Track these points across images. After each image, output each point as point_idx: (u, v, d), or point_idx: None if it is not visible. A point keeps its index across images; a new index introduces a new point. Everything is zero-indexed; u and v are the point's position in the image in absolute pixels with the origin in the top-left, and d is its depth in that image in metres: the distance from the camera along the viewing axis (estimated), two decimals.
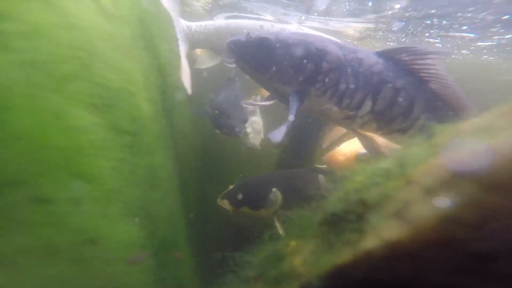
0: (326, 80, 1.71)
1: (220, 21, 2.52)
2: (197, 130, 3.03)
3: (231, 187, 2.48)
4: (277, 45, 1.72)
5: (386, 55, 1.79)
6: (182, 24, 2.49)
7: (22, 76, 1.02)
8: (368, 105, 1.75)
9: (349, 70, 1.73)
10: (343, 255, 0.67)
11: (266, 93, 3.08)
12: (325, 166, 2.33)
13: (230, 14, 2.50)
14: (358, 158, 2.25)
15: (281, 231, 2.15)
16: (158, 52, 2.25)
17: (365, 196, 0.73)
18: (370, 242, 0.62)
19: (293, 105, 1.70)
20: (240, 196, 2.35)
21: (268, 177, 2.60)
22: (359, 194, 0.75)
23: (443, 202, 0.54)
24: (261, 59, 1.75)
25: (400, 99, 1.75)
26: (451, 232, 0.53)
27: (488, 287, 0.58)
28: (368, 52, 1.81)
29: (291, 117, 1.67)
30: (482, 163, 0.52)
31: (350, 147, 2.40)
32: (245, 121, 2.57)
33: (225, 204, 2.37)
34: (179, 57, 2.67)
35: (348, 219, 0.74)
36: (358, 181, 0.80)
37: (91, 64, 1.27)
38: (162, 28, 2.39)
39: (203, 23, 2.54)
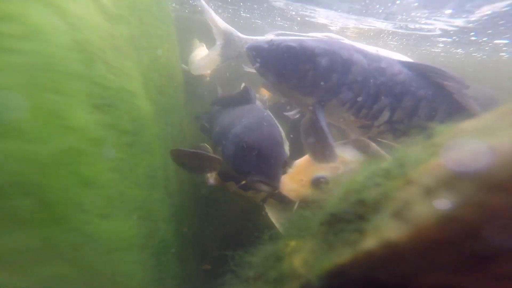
0: (348, 91, 1.67)
1: (270, 37, 2.57)
2: (196, 130, 3.03)
3: None
4: (303, 54, 1.64)
5: (411, 66, 1.76)
6: (230, 32, 2.55)
7: (23, 77, 1.02)
8: (386, 115, 1.72)
9: (371, 81, 1.68)
10: (343, 255, 0.67)
11: (266, 92, 3.07)
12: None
13: (279, 32, 2.57)
14: (315, 183, 1.71)
15: (274, 221, 2.04)
16: (158, 52, 2.24)
17: (365, 196, 0.73)
18: (370, 242, 0.62)
19: (322, 120, 1.63)
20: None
21: None
22: (359, 194, 0.75)
23: (443, 202, 0.54)
24: (285, 68, 1.66)
25: (421, 110, 1.71)
26: (451, 232, 0.53)
27: (488, 287, 0.58)
28: (392, 60, 1.77)
29: (328, 134, 1.61)
30: (482, 163, 0.52)
31: (304, 168, 1.82)
32: (286, 163, 1.76)
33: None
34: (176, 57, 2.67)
35: (348, 219, 0.74)
36: (358, 181, 0.80)
37: (91, 64, 1.27)
38: (162, 28, 2.39)
39: (255, 37, 2.66)
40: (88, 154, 1.18)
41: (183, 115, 2.76)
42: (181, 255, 1.96)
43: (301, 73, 1.65)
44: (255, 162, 1.64)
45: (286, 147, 2.25)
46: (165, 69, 2.36)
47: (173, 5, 5.18)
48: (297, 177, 1.76)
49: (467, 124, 0.73)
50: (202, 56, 2.69)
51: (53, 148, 1.06)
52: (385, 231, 0.61)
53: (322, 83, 1.65)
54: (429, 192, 0.58)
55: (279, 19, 5.52)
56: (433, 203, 0.56)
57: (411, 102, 1.71)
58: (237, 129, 1.85)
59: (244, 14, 5.60)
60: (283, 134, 2.10)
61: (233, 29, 2.60)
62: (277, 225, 2.01)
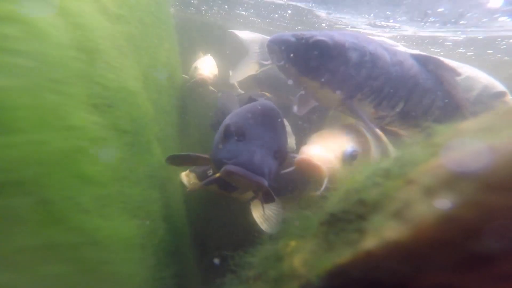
0: (374, 85, 1.68)
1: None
2: (196, 130, 3.03)
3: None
4: (334, 49, 1.59)
5: (418, 57, 1.84)
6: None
7: (23, 77, 1.02)
8: (400, 106, 1.78)
9: (394, 75, 1.70)
10: (343, 255, 0.67)
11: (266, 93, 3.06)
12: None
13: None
14: (349, 156, 1.45)
15: (258, 221, 1.85)
16: (158, 52, 2.25)
17: (365, 196, 0.73)
18: (370, 242, 0.62)
19: (364, 117, 1.64)
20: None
21: None
22: (359, 194, 0.75)
23: (443, 202, 0.54)
24: (315, 63, 1.59)
25: (426, 100, 1.82)
26: (451, 232, 0.53)
27: (488, 287, 0.58)
28: (404, 53, 1.82)
29: (376, 131, 1.63)
30: (482, 163, 0.52)
31: (331, 139, 1.52)
32: (282, 154, 1.37)
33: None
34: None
35: (348, 219, 0.74)
36: (358, 181, 0.80)
37: (91, 64, 1.27)
38: (162, 28, 2.39)
39: None
40: (88, 154, 1.18)
41: (184, 115, 2.76)
42: (181, 255, 1.96)
43: (333, 69, 1.60)
44: (233, 149, 1.28)
45: (291, 140, 2.00)
46: (165, 69, 2.36)
47: (179, 7, 5.14)
48: (327, 147, 1.46)
49: (467, 124, 0.73)
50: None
51: (53, 148, 1.06)
52: (385, 231, 0.61)
53: (352, 78, 1.63)
54: (429, 192, 0.58)
55: (276, 16, 5.48)
56: (433, 203, 0.56)
57: (420, 93, 1.79)
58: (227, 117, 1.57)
59: (239, 12, 5.57)
60: (288, 127, 1.81)
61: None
62: (261, 226, 1.87)
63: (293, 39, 1.59)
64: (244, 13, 5.53)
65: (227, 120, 1.50)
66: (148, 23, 2.07)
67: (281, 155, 1.35)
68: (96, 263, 1.16)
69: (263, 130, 1.35)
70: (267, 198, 1.54)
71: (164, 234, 1.67)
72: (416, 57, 1.84)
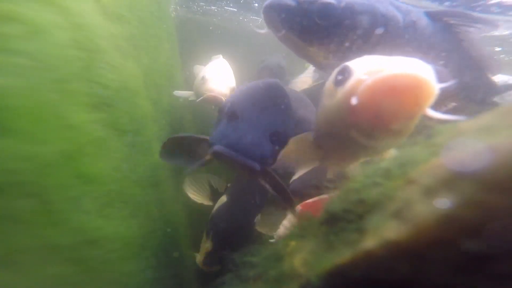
0: (385, 51, 1.53)
1: None
2: (197, 129, 3.03)
3: (206, 239, 1.79)
4: (342, 13, 1.41)
5: (435, 15, 1.67)
6: None
7: (23, 77, 1.02)
8: None
9: (406, 37, 1.56)
10: (343, 255, 0.67)
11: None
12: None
13: None
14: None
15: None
16: (158, 52, 2.25)
17: (365, 196, 0.73)
18: (370, 242, 0.62)
19: None
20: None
21: (239, 206, 1.84)
22: (359, 194, 0.75)
23: (443, 202, 0.54)
24: (321, 30, 1.41)
25: (440, 62, 1.68)
26: (451, 232, 0.53)
27: (488, 287, 0.58)
28: (419, 12, 1.67)
29: None
30: (483, 163, 0.52)
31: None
32: (280, 137, 1.22)
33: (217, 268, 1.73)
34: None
35: (348, 219, 0.74)
36: (358, 180, 0.80)
37: (92, 64, 1.27)
38: (162, 28, 2.39)
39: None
40: (88, 154, 1.18)
41: (184, 114, 2.76)
42: (181, 255, 1.96)
43: (341, 35, 1.44)
44: (224, 129, 1.19)
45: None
46: (165, 69, 2.36)
47: (180, 7, 5.06)
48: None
49: (467, 124, 0.73)
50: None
51: (53, 148, 1.06)
52: (385, 231, 0.61)
53: (362, 44, 1.49)
54: (429, 192, 0.58)
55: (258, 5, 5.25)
56: (433, 203, 0.56)
57: (434, 54, 1.68)
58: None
59: (228, 8, 5.46)
60: (309, 107, 1.61)
61: None
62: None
63: (293, 3, 1.39)
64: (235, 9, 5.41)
65: (227, 99, 1.41)
66: (148, 23, 2.07)
67: (280, 138, 1.22)
68: (96, 263, 1.17)
69: (260, 110, 1.24)
70: (285, 199, 1.39)
71: (164, 234, 1.67)
72: (433, 15, 1.67)
